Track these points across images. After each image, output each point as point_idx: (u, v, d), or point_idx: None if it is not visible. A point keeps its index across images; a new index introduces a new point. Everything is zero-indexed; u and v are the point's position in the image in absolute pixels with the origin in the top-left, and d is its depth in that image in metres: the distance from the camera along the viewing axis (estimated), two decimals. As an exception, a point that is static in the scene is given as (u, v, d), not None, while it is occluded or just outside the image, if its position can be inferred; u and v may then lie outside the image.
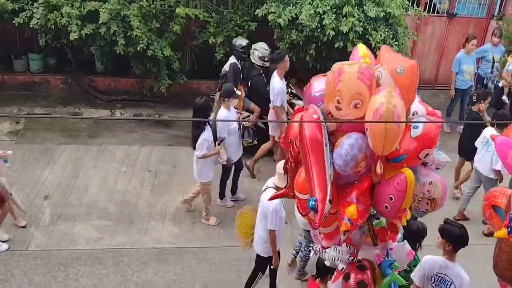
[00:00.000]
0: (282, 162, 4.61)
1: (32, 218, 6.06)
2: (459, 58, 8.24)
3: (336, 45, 7.32)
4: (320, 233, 3.47)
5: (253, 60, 7.16)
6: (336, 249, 3.59)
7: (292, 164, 3.42)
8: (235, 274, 5.58)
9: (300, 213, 3.42)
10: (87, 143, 7.41)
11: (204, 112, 5.87)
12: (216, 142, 5.95)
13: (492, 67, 8.56)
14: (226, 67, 7.25)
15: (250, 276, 5.15)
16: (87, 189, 6.59)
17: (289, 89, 7.36)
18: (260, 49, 7.13)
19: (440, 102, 8.86)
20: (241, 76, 7.26)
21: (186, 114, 8.27)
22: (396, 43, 7.65)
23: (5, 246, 5.62)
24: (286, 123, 5.42)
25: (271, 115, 6.83)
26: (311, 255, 4.51)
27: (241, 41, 7.25)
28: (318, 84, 3.32)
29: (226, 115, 6.05)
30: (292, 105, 7.19)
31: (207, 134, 5.78)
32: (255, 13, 7.68)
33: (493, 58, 8.49)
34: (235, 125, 6.13)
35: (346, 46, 7.28)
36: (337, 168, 3.10)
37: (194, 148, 5.86)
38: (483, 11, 9.62)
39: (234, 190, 6.64)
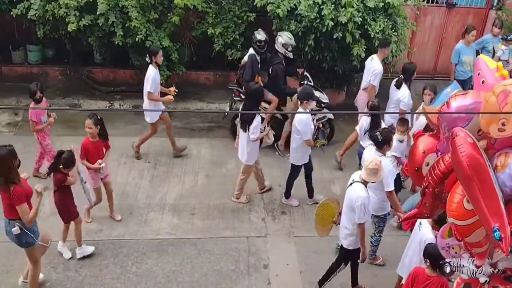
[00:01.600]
0: (372, 157, 4.85)
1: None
2: (458, 49, 8.21)
3: (335, 36, 7.32)
4: (470, 251, 3.44)
5: (276, 47, 7.15)
6: (474, 262, 3.53)
7: (436, 190, 3.41)
8: (234, 264, 5.63)
9: (457, 239, 3.40)
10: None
11: (257, 98, 6.09)
12: (265, 124, 6.19)
13: (492, 57, 8.53)
14: (246, 58, 7.30)
15: (331, 267, 5.20)
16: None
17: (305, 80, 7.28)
18: (284, 36, 7.10)
19: (439, 93, 8.83)
20: (260, 66, 7.24)
21: (185, 105, 8.28)
22: (395, 33, 7.64)
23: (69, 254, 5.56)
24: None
25: (362, 95, 7.16)
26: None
27: (259, 35, 7.14)
28: (456, 103, 3.29)
29: (306, 117, 5.98)
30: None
31: (260, 117, 6.00)
32: (254, 4, 7.66)
33: (493, 48, 8.45)
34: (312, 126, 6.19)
35: (345, 36, 7.27)
36: (507, 190, 3.05)
37: (245, 130, 6.01)
38: (482, 1, 9.58)
39: (311, 194, 6.53)
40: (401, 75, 6.79)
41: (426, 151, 3.75)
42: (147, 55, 6.70)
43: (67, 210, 5.29)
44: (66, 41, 8.21)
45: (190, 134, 7.86)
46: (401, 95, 6.65)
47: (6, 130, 7.54)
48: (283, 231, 6.12)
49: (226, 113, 7.64)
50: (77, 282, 5.28)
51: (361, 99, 7.24)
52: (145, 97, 6.76)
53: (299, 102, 6.00)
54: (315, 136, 6.96)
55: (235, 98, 7.44)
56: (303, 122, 5.96)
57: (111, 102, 8.37)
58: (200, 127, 7.97)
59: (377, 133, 5.25)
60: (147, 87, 6.65)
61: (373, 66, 7.02)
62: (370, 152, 5.33)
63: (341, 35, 7.28)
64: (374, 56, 7.09)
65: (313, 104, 6.17)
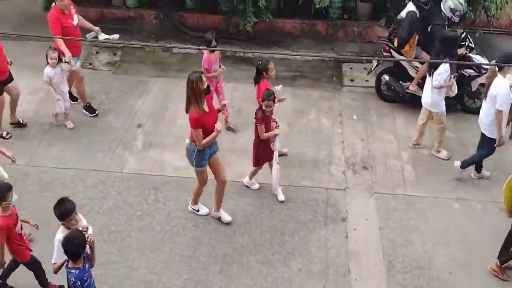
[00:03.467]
0: None
1: (126, 144, 6.59)
2: None
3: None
4: None
5: (442, 8, 6.79)
6: None
7: None
8: (311, 213, 5.74)
9: None
10: (177, 77, 7.71)
11: (450, 45, 5.99)
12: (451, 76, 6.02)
13: None
14: (403, 13, 6.99)
15: (508, 241, 5.08)
16: (176, 120, 6.96)
17: (467, 42, 6.91)
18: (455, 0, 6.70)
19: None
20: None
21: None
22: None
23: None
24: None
25: None
26: None
27: None
28: None
29: (505, 84, 5.49)
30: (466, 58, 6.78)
31: (447, 66, 5.88)
32: None
33: None
34: None
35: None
36: None
37: (429, 75, 6.04)
38: None
39: (479, 168, 6.23)
40: None
41: None
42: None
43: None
44: (161, -15, 8.43)
45: (274, 82, 7.85)
46: None
47: (106, 69, 8.06)
48: (364, 186, 6.09)
49: (373, 67, 7.36)
50: (165, 213, 5.71)
51: None
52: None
53: (497, 68, 5.49)
54: None
55: (384, 53, 7.22)
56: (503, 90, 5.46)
57: (200, 46, 8.56)
58: (284, 76, 7.95)
59: None
60: None
61: None
62: None
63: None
64: None
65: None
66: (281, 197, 5.85)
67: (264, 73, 5.82)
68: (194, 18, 8.87)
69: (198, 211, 5.67)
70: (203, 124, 4.97)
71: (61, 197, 4.21)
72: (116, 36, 6.84)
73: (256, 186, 6.00)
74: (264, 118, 5.51)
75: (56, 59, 6.28)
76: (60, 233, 4.09)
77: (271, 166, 5.81)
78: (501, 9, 7.21)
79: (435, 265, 5.22)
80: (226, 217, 5.59)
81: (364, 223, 5.63)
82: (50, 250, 4.17)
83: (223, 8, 8.20)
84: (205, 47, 8.40)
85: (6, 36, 7.10)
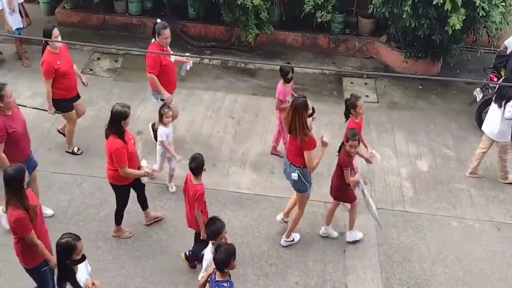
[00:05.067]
0: None
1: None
2: None
3: (435, 2, 6.86)
4: None
5: None
6: None
7: None
8: (310, 227, 5.72)
9: None
10: (178, 86, 7.67)
11: None
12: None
13: None
14: (508, 43, 6.99)
15: None
16: (175, 129, 6.92)
17: None
18: None
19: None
20: None
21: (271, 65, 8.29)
22: (503, 4, 7.03)
23: (335, 233, 5.59)
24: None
25: None
26: None
27: None
28: None
29: None
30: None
31: None
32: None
33: None
34: None
35: (445, 2, 6.79)
36: None
37: (499, 106, 5.91)
38: None
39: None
40: None
41: None
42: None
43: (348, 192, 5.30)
44: (163, -6, 8.48)
45: (274, 94, 7.87)
46: None
47: (107, 75, 8.06)
48: (362, 201, 6.06)
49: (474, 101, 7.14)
50: (162, 221, 5.68)
51: None
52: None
53: None
54: None
55: (490, 84, 7.08)
56: None
57: (201, 56, 8.60)
58: (285, 88, 7.98)
59: None
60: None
61: None
62: None
63: (441, 1, 6.82)
64: None
65: None
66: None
67: (352, 110, 5.41)
68: (196, 28, 8.92)
69: (293, 240, 5.52)
70: (315, 146, 4.89)
71: (211, 216, 4.22)
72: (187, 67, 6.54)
73: (335, 234, 5.64)
74: (350, 162, 5.11)
75: (171, 117, 5.79)
76: (210, 253, 4.09)
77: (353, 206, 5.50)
78: (501, 29, 7.30)
79: (433, 283, 5.20)
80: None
81: (362, 238, 5.60)
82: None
83: (226, 19, 8.24)
84: (206, 56, 8.48)
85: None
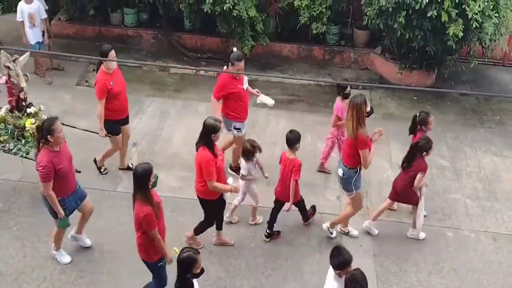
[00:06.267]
0: None
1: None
2: None
3: (429, 14, 6.94)
4: None
5: None
6: None
7: None
8: (305, 238, 5.73)
9: None
10: (173, 97, 7.75)
11: None
12: None
13: None
14: None
15: None
16: (171, 140, 6.96)
17: None
18: None
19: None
20: None
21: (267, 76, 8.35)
22: (496, 15, 7.11)
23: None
24: None
25: None
26: None
27: None
28: None
29: None
30: None
31: None
32: (343, -24, 7.46)
33: None
34: None
35: (440, 15, 6.88)
36: None
37: None
38: None
39: None
40: None
41: None
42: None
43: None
44: (159, 6, 8.52)
45: (281, 106, 7.94)
46: None
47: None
48: (358, 211, 6.07)
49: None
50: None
51: None
52: None
53: None
54: None
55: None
56: None
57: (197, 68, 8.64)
58: (281, 99, 8.01)
59: None
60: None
61: None
62: None
63: (435, 14, 6.90)
64: None
65: None
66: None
67: (422, 126, 5.55)
68: (192, 40, 8.96)
69: (348, 232, 5.71)
70: (369, 145, 5.04)
71: (336, 246, 4.07)
72: (271, 102, 6.39)
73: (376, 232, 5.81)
74: (427, 168, 5.41)
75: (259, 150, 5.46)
76: (335, 282, 3.86)
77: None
78: (495, 40, 7.36)
79: (429, 294, 5.19)
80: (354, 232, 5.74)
81: (359, 250, 5.59)
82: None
83: (221, 31, 8.30)
84: (201, 68, 8.50)
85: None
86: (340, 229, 5.73)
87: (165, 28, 8.94)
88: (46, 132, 4.51)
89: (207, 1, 7.65)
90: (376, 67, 8.73)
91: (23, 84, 5.68)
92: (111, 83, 5.75)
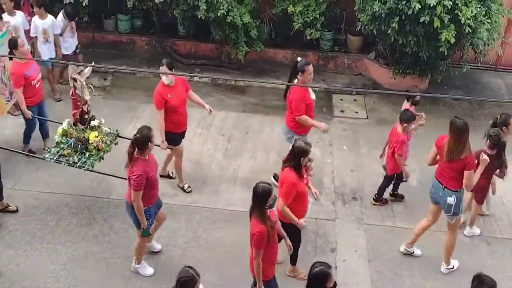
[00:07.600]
0: None
1: (113, 168, 6.49)
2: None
3: (421, 19, 6.99)
4: None
5: None
6: None
7: None
8: (301, 243, 5.67)
9: None
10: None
11: None
12: None
13: None
14: None
15: None
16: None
17: None
18: None
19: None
20: None
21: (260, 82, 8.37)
22: (489, 20, 7.17)
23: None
24: None
25: None
26: None
27: None
28: None
29: None
30: None
31: None
32: (337, -18, 7.51)
33: None
34: None
35: (433, 21, 6.93)
36: None
37: None
38: None
39: None
40: None
41: None
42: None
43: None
44: (153, 12, 8.53)
45: (265, 111, 7.96)
46: None
47: (96, 93, 7.93)
48: (353, 217, 6.09)
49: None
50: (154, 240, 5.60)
51: None
52: None
53: None
54: None
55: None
56: None
57: (191, 74, 8.63)
58: (275, 105, 8.03)
59: None
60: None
61: None
62: None
63: (428, 19, 6.96)
64: None
65: None
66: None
67: (503, 128, 5.35)
68: (186, 46, 8.97)
69: (453, 267, 5.51)
70: (476, 165, 4.94)
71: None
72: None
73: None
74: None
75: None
76: None
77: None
78: (488, 45, 7.42)
79: (424, 299, 5.19)
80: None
81: (353, 255, 5.59)
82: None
83: (216, 37, 8.31)
84: (196, 74, 8.50)
85: None
86: (445, 268, 5.49)
87: (159, 35, 8.94)
88: (146, 139, 4.64)
89: (201, 8, 7.67)
90: (369, 73, 8.77)
91: (87, 96, 5.70)
92: (169, 95, 5.75)
